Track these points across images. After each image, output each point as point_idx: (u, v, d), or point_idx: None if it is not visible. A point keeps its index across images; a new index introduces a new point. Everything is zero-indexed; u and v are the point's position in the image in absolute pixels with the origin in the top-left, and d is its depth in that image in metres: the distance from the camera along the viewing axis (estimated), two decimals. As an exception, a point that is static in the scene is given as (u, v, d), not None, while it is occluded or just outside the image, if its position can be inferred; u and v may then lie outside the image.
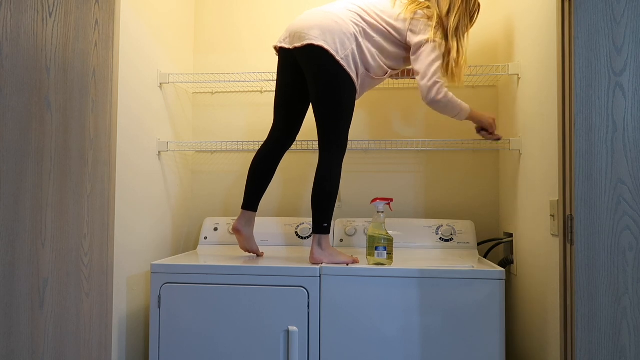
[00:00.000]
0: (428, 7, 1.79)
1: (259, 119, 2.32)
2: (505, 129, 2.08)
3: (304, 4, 2.28)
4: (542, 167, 1.57)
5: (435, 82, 1.73)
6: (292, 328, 1.58)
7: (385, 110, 2.28)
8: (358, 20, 1.73)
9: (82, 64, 1.26)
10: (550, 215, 1.46)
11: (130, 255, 1.82)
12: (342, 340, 1.58)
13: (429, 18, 1.76)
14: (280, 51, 1.79)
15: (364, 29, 1.73)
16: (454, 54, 1.76)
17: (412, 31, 1.76)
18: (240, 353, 1.61)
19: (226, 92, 2.36)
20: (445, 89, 1.75)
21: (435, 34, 1.75)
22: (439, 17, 1.77)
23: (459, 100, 1.78)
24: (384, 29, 1.75)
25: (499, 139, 1.88)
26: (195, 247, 2.31)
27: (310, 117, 1.77)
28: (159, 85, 2.04)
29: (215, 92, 2.38)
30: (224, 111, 2.37)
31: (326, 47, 1.65)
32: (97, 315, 1.32)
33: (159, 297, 1.65)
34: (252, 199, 1.82)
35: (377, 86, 2.23)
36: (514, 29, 1.96)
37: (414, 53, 1.76)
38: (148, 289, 1.91)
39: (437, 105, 1.76)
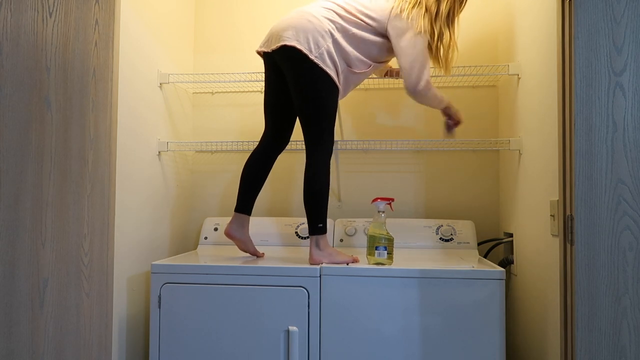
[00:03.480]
0: None
1: (259, 119, 2.31)
2: (505, 129, 2.08)
3: (303, 4, 2.27)
4: (542, 167, 1.57)
5: (428, 81, 1.75)
6: (292, 328, 1.58)
7: (385, 110, 2.28)
8: (333, 17, 1.71)
9: (82, 64, 1.26)
10: (550, 215, 1.46)
11: (130, 255, 1.82)
12: (342, 340, 1.58)
13: (415, 5, 1.74)
14: (263, 55, 1.79)
15: (339, 24, 1.71)
16: (446, 40, 1.76)
17: (394, 24, 1.73)
18: (240, 353, 1.61)
19: (226, 92, 2.36)
20: (431, 84, 1.77)
21: (422, 22, 1.73)
22: (426, 4, 1.75)
23: (439, 93, 1.82)
24: (361, 22, 1.74)
25: (457, 124, 1.91)
26: (195, 247, 2.31)
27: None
28: (159, 85, 2.04)
29: (215, 92, 2.38)
30: (224, 111, 2.37)
31: (299, 46, 1.64)
32: (97, 315, 1.32)
33: (159, 297, 1.65)
34: (244, 202, 1.81)
35: (377, 86, 2.24)
36: (514, 29, 1.96)
37: (400, 48, 1.74)
38: (148, 289, 1.91)
39: (427, 97, 1.78)
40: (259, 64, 2.26)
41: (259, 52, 1.80)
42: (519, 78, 1.89)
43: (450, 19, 1.77)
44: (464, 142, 2.07)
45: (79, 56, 1.24)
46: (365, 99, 2.27)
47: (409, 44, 1.73)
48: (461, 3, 1.82)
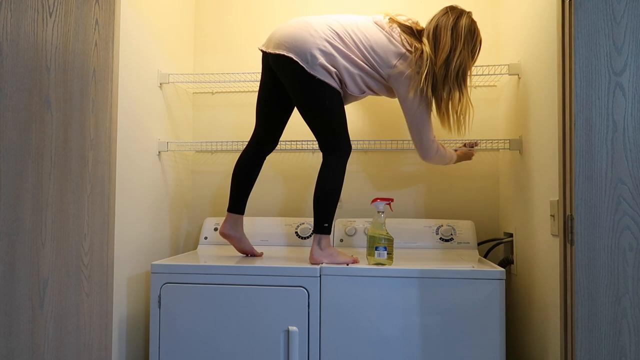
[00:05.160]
0: (415, 23, 1.74)
1: (259, 119, 2.32)
2: (505, 129, 2.08)
3: (303, 4, 2.28)
4: (542, 167, 1.57)
5: (430, 145, 1.77)
6: (292, 328, 1.58)
7: (385, 110, 2.28)
8: (335, 40, 1.66)
9: (82, 64, 1.26)
10: (550, 215, 1.46)
11: (130, 255, 1.82)
12: (342, 340, 1.58)
13: (419, 72, 1.65)
14: (263, 54, 1.78)
15: (340, 49, 1.65)
16: (455, 100, 1.67)
17: (395, 84, 1.69)
18: (240, 353, 1.61)
19: (226, 92, 2.36)
20: (437, 145, 1.79)
21: (424, 83, 1.64)
22: (431, 61, 1.63)
23: (447, 150, 1.86)
24: (361, 57, 1.68)
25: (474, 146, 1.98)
26: (195, 247, 2.31)
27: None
28: (159, 85, 2.04)
29: (215, 92, 2.37)
30: (224, 111, 2.37)
31: (295, 58, 1.62)
32: (97, 315, 1.32)
33: (159, 297, 1.65)
34: (236, 202, 1.82)
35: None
36: (514, 29, 1.96)
37: (407, 109, 1.73)
38: (148, 289, 1.91)
39: (432, 161, 1.86)
40: (259, 64, 2.26)
41: (261, 49, 1.79)
42: (519, 78, 1.89)
43: (460, 76, 1.65)
44: (464, 142, 2.07)
45: (79, 56, 1.24)
46: (365, 99, 2.27)
47: (410, 109, 1.73)
48: (473, 56, 1.70)
